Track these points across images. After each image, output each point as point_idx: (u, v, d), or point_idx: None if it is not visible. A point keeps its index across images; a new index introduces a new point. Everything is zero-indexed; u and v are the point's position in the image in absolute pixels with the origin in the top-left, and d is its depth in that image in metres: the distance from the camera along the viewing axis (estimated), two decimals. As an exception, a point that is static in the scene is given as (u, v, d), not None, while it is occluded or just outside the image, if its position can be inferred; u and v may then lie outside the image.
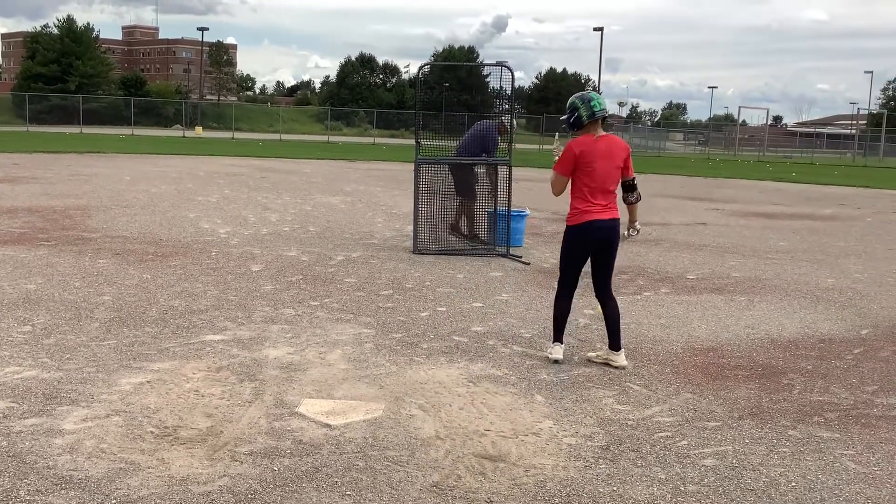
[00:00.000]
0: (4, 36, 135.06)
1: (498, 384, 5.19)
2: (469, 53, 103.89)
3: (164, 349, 5.61)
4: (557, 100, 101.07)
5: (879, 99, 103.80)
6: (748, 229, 14.23)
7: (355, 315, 6.80)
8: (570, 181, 5.60)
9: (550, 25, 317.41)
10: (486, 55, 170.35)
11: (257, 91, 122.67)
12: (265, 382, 5.01)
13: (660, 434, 4.45)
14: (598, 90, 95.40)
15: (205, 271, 8.36)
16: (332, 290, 7.75)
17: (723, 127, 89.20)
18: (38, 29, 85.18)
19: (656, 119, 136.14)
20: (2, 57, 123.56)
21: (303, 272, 8.55)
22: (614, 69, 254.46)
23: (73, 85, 74.72)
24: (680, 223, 14.68)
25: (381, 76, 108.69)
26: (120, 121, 61.06)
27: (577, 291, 5.86)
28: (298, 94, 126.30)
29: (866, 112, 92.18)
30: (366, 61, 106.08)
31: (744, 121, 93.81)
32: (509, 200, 10.30)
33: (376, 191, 18.85)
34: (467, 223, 10.75)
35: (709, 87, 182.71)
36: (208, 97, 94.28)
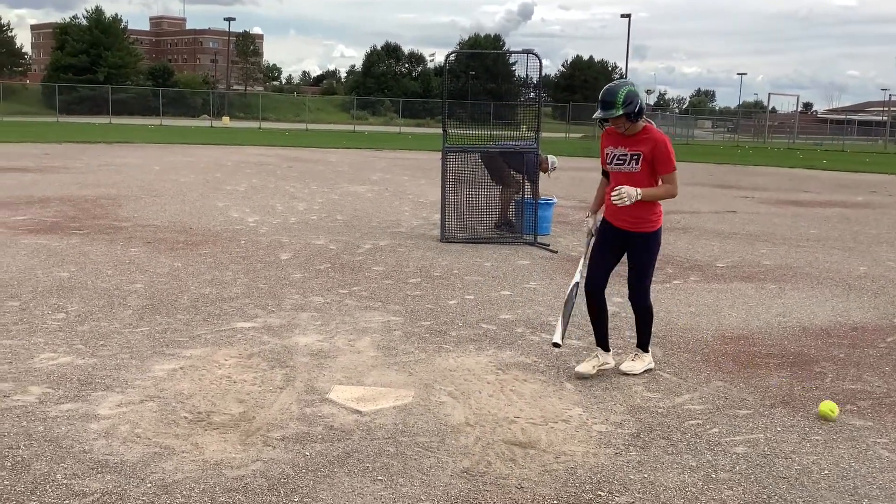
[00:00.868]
0: (34, 27, 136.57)
1: (527, 371, 5.19)
2: (495, 41, 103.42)
3: (196, 336, 5.67)
4: (584, 88, 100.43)
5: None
6: (778, 217, 14.09)
7: (384, 303, 6.83)
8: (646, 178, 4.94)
9: (576, 13, 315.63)
10: (512, 43, 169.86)
11: (283, 81, 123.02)
12: (296, 369, 5.05)
13: (690, 422, 4.43)
14: (626, 78, 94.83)
15: (234, 259, 8.42)
16: (360, 278, 7.79)
17: (752, 114, 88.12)
18: (67, 20, 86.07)
19: (684, 106, 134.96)
20: (31, 48, 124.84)
21: (331, 260, 8.59)
22: (641, 56, 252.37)
23: (102, 76, 75.43)
24: (709, 211, 14.56)
25: (406, 65, 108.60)
26: (148, 111, 61.56)
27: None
28: (324, 83, 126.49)
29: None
30: (391, 50, 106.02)
31: (773, 108, 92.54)
32: (536, 188, 10.27)
33: (403, 179, 18.87)
34: (502, 209, 10.75)
35: (738, 74, 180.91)
36: (235, 87, 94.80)
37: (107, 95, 56.02)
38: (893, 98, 70.58)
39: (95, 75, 75.69)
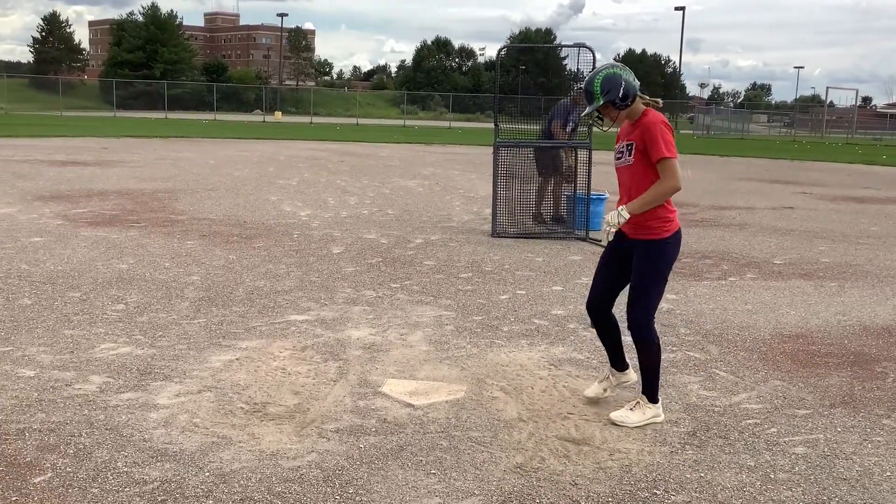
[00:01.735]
0: (91, 24, 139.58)
1: (580, 368, 5.15)
2: (546, 35, 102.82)
3: (252, 328, 5.74)
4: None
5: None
6: (837, 213, 13.78)
7: (435, 297, 6.84)
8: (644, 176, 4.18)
9: (628, 6, 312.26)
10: (563, 37, 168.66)
11: (335, 76, 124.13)
12: (349, 362, 5.08)
13: (748, 421, 4.36)
14: (680, 72, 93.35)
15: (287, 253, 8.51)
16: (411, 272, 7.81)
17: (809, 108, 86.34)
18: (124, 16, 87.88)
19: (739, 100, 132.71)
20: (89, 44, 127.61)
21: (382, 255, 8.63)
22: (695, 49, 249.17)
23: (158, 71, 76.91)
24: (765, 207, 14.30)
25: (456, 60, 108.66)
26: (203, 106, 62.61)
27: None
28: (375, 78, 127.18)
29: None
30: (441, 45, 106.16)
31: (831, 102, 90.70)
32: (589, 183, 10.20)
33: (453, 174, 18.88)
34: (554, 204, 10.71)
35: (794, 68, 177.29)
36: (287, 82, 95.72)
37: (162, 91, 57.05)
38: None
39: (151, 71, 77.24)
